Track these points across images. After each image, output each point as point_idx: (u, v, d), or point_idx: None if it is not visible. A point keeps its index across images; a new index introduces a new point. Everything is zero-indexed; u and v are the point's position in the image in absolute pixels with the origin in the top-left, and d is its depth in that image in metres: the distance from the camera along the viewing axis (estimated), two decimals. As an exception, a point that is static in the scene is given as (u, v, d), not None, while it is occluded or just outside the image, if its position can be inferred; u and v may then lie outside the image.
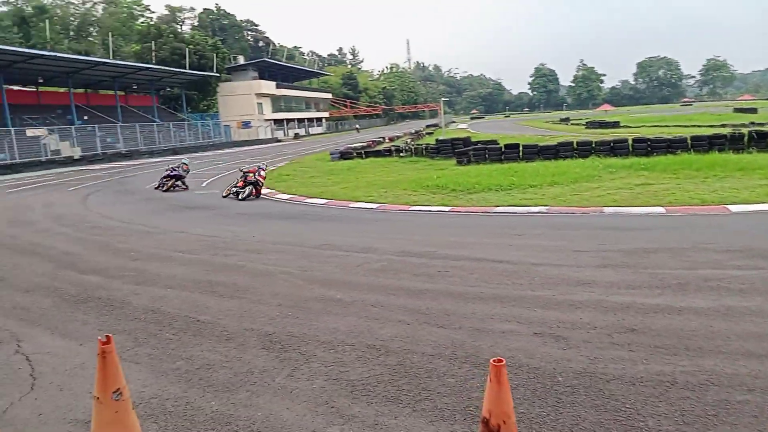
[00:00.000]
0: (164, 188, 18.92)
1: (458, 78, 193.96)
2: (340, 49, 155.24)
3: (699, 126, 35.89)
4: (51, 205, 16.13)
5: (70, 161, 35.52)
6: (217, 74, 61.16)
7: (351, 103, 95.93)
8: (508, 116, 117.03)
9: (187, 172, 20.15)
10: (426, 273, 6.61)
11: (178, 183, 19.40)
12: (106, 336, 2.64)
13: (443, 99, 49.81)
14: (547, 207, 11.25)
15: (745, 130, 21.16)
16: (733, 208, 10.01)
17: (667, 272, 6.11)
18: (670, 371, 3.71)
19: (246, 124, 64.70)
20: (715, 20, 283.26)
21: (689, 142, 19.16)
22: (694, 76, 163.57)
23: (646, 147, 19.60)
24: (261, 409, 3.49)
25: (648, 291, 5.49)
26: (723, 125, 34.75)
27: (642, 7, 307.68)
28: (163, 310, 5.64)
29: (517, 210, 11.26)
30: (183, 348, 4.56)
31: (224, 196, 16.33)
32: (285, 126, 74.42)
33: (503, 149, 21.52)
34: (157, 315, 5.48)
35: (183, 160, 20.85)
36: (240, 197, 15.77)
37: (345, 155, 28.09)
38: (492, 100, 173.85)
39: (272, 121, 71.06)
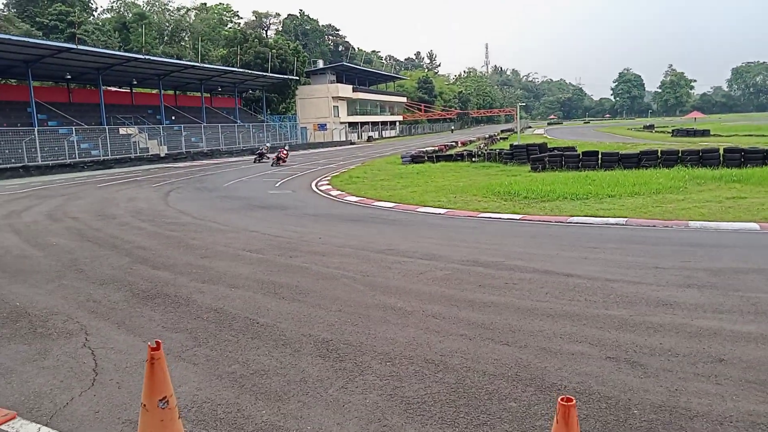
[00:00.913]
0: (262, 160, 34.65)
1: (537, 83, 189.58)
2: (418, 54, 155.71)
3: (802, 136, 33.11)
4: (134, 199, 17.01)
5: (156, 158, 37.53)
6: (297, 77, 62.76)
7: (425, 106, 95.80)
8: (588, 122, 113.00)
9: (270, 150, 36.31)
10: (492, 284, 6.34)
11: (264, 159, 34.71)
12: (156, 342, 2.61)
13: (520, 104, 48.63)
14: (626, 219, 10.61)
15: None
16: (843, 227, 9.03)
17: (762, 296, 5.53)
18: (764, 412, 3.28)
19: (322, 127, 66.03)
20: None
21: (789, 153, 17.61)
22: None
23: (740, 158, 18.21)
24: (311, 422, 3.38)
25: (738, 317, 4.96)
26: (830, 135, 31.87)
27: (738, 10, 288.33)
28: (225, 309, 5.69)
29: (593, 221, 10.69)
30: (240, 351, 4.55)
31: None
32: (359, 129, 75.33)
33: (581, 156, 20.65)
34: (218, 314, 5.53)
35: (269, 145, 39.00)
36: (271, 164, 31.98)
37: (416, 159, 27.95)
38: (571, 105, 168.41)
39: (347, 124, 72.14)
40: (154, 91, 47.92)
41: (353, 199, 16.15)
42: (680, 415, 3.31)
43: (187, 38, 74.83)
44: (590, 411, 3.39)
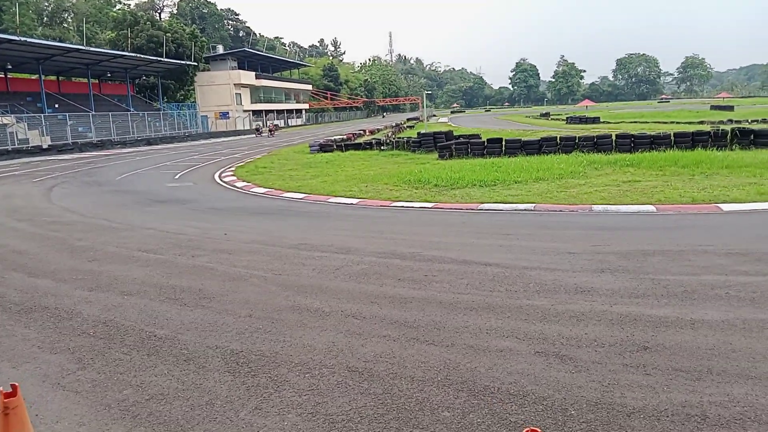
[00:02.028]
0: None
1: (440, 71, 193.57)
2: (322, 41, 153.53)
3: (678, 123, 36.01)
4: (10, 197, 15.22)
5: (38, 151, 34.13)
6: (195, 63, 59.70)
7: (332, 95, 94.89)
8: (489, 110, 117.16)
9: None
10: (411, 278, 6.08)
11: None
12: (12, 386, 2.04)
13: (426, 92, 49.21)
14: (534, 204, 10.80)
15: (727, 127, 21.01)
16: (725, 207, 9.67)
17: (670, 278, 5.67)
18: (697, 402, 3.23)
19: (224, 115, 63.40)
20: (694, 20, 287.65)
21: (672, 138, 18.90)
22: (672, 74, 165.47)
23: (630, 143, 19.29)
24: (220, 453, 2.92)
25: (654, 300, 5.03)
26: (701, 122, 34.88)
27: (622, 6, 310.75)
28: (116, 322, 5.00)
29: (503, 207, 10.79)
30: (134, 372, 3.95)
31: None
32: (264, 117, 73.16)
33: (486, 144, 21.09)
34: (108, 328, 4.84)
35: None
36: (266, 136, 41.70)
37: (325, 148, 27.39)
38: (472, 94, 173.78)
39: (251, 112, 69.80)
40: (34, 77, 43.60)
41: (260, 190, 15.41)
42: (617, 412, 3.18)
43: (70, 19, 68.91)
44: (528, 416, 3.18)
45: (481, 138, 22.98)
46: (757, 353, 3.84)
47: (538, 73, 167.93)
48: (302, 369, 3.90)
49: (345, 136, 35.08)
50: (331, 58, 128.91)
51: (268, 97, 77.35)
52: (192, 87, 64.13)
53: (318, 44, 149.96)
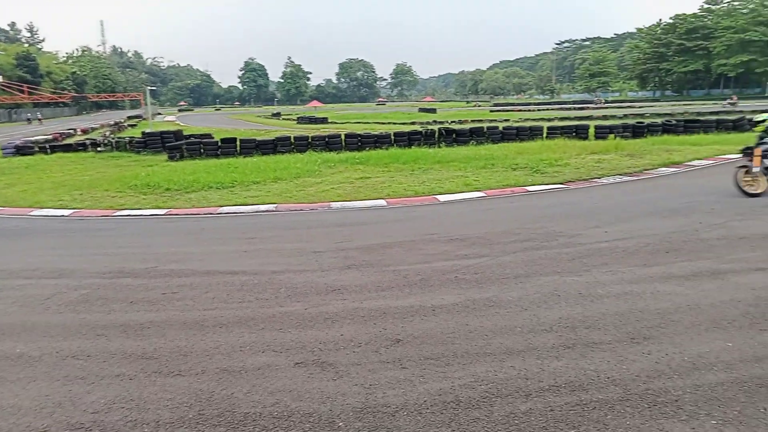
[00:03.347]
0: None
1: (163, 67, 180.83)
2: (13, 24, 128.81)
3: (395, 123, 40.05)
4: None
5: None
6: None
7: (29, 88, 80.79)
8: (219, 109, 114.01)
9: None
10: (147, 298, 5.30)
11: None
12: None
13: (150, 88, 45.33)
14: (275, 205, 10.67)
15: (435, 128, 24.05)
16: (442, 197, 10.93)
17: (408, 268, 6.06)
18: (450, 388, 3.38)
19: None
20: (403, 30, 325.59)
21: (393, 137, 20.87)
22: (386, 79, 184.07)
23: (358, 142, 20.69)
24: None
25: (398, 291, 5.27)
26: (413, 123, 39.41)
27: (343, 12, 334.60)
28: None
29: (244, 209, 10.40)
30: None
31: None
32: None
33: (220, 143, 20.34)
34: None
35: None
36: None
37: (23, 150, 23.04)
38: (201, 92, 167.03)
39: None
40: None
41: (-70, 206, 12.08)
42: (382, 414, 3.14)
43: None
44: (295, 439, 2.93)
45: (214, 138, 22.06)
46: (488, 330, 4.26)
47: (267, 74, 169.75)
48: (2, 441, 2.99)
49: (51, 136, 30.16)
50: (27, 45, 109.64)
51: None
52: None
53: (8, 28, 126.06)
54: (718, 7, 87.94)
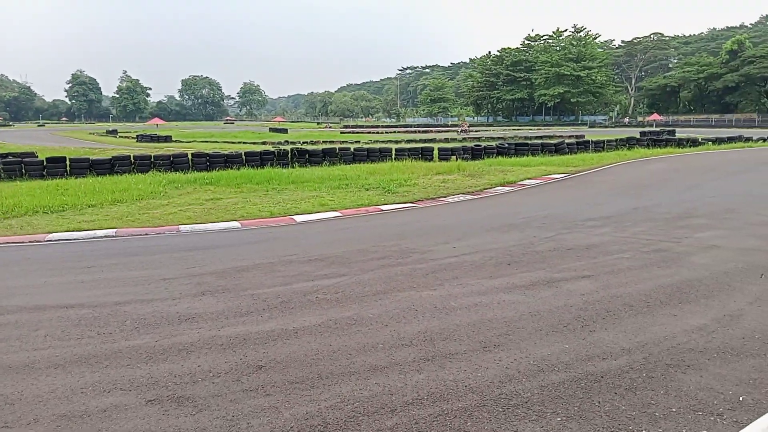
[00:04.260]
0: None
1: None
2: None
3: (245, 143, 39.19)
4: None
5: None
6: None
7: None
8: (43, 125, 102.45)
9: None
10: (-42, 342, 4.55)
11: None
12: None
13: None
14: (114, 229, 9.81)
15: (288, 147, 23.95)
16: (298, 218, 10.88)
17: (267, 291, 5.92)
18: (316, 411, 3.34)
19: None
20: (250, 49, 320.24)
21: (244, 157, 20.37)
22: (233, 98, 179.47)
23: (206, 162, 19.85)
24: None
25: (257, 316, 5.11)
26: (264, 143, 38.85)
27: (182, 24, 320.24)
28: None
29: (78, 235, 9.41)
30: None
31: None
32: None
33: (45, 163, 18.26)
34: None
35: None
36: None
37: None
38: (19, 106, 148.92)
39: None
40: None
41: None
42: (248, 445, 3.00)
43: None
44: (152, 484, 2.68)
45: (37, 156, 19.79)
46: (352, 349, 4.30)
47: (100, 88, 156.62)
48: None
49: None
50: None
51: None
52: None
53: None
54: (536, 43, 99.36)
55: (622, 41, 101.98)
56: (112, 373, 3.93)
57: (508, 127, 75.53)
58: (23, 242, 9.03)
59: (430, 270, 6.58)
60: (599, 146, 27.08)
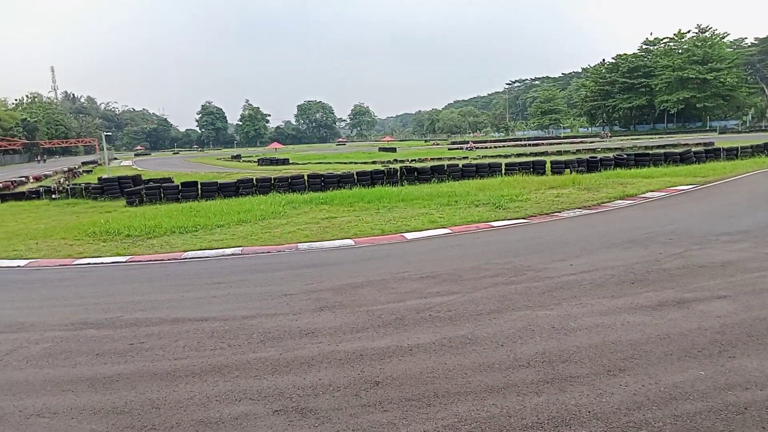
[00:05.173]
0: None
1: (117, 112, 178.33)
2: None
3: (355, 163, 40.43)
4: None
5: None
6: None
7: (-24, 135, 78.33)
8: (178, 153, 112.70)
9: None
10: (114, 350, 5.12)
11: None
12: None
13: (106, 133, 44.58)
14: (241, 248, 10.53)
15: (397, 166, 24.38)
16: (408, 235, 11.01)
17: (381, 307, 6.04)
18: (434, 429, 3.36)
19: None
20: (361, 73, 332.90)
21: (356, 177, 21.06)
22: (345, 120, 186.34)
23: (321, 182, 20.77)
24: None
25: (373, 332, 5.24)
26: (374, 162, 39.85)
27: (296, 53, 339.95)
28: None
29: (209, 254, 10.22)
30: None
31: None
32: None
33: (180, 187, 20.09)
34: None
35: None
36: None
37: (-29, 200, 22.23)
38: (158, 136, 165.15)
39: None
40: None
41: None
42: (368, 459, 3.09)
43: None
44: (281, 491, 2.84)
45: (173, 182, 21.81)
46: (467, 368, 4.27)
47: (225, 116, 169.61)
48: None
49: (1, 185, 29.20)
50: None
51: None
52: None
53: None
54: (655, 47, 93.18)
55: (755, 39, 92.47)
56: (242, 383, 4.21)
57: (625, 137, 71.39)
58: (163, 260, 9.96)
59: (547, 288, 6.38)
60: (731, 154, 24.78)
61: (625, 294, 5.97)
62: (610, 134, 56.88)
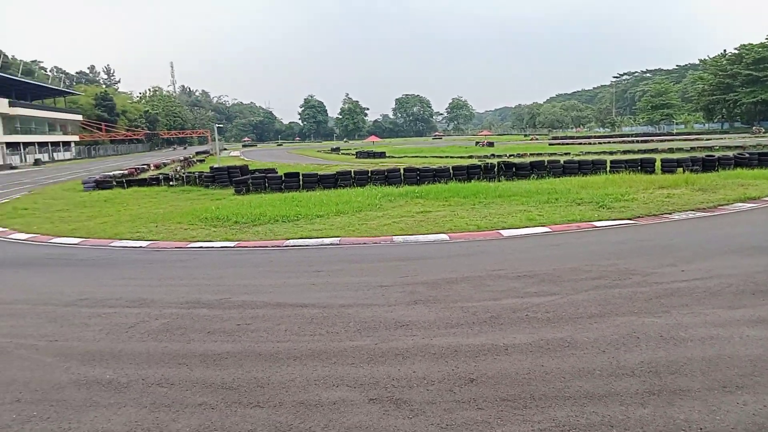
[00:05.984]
0: None
1: (228, 105, 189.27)
2: (92, 68, 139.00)
3: (451, 157, 40.13)
4: None
5: None
6: None
7: (107, 126, 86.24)
8: (281, 145, 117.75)
9: None
10: (222, 329, 5.49)
11: None
12: None
13: (217, 125, 47.51)
14: (339, 238, 10.85)
15: (495, 161, 23.93)
16: (505, 232, 10.79)
17: (476, 305, 6.00)
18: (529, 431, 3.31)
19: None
20: (459, 66, 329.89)
21: (451, 171, 20.91)
22: (442, 113, 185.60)
23: (416, 176, 20.84)
24: None
25: (468, 329, 5.22)
26: (471, 156, 39.34)
27: (397, 51, 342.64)
28: None
29: (309, 242, 10.62)
30: None
31: None
32: (22, 150, 63.33)
33: (283, 178, 20.98)
34: None
35: None
36: None
37: (102, 184, 24.53)
38: (263, 128, 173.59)
39: (4, 145, 59.90)
40: None
41: (22, 236, 13.02)
42: (462, 455, 3.11)
43: None
44: (376, 477, 2.93)
45: (277, 172, 22.81)
46: (566, 372, 4.15)
47: (326, 110, 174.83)
48: (98, 465, 3.14)
49: (126, 171, 31.99)
50: (104, 86, 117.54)
51: (27, 128, 67.29)
52: None
53: (88, 71, 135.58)
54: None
55: None
56: (339, 370, 4.37)
57: (747, 135, 65.21)
58: (267, 247, 10.49)
59: (654, 294, 6.02)
60: None
61: (744, 305, 5.50)
62: (762, 129, 51.56)
